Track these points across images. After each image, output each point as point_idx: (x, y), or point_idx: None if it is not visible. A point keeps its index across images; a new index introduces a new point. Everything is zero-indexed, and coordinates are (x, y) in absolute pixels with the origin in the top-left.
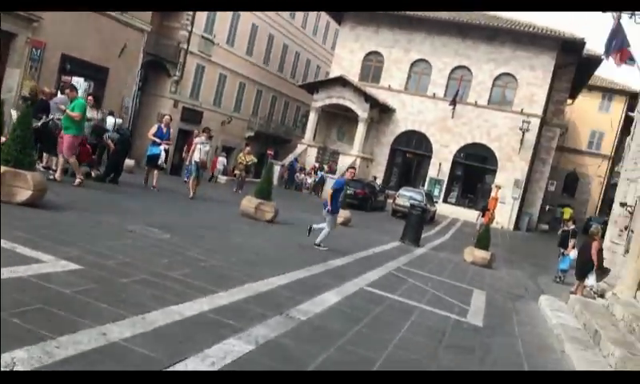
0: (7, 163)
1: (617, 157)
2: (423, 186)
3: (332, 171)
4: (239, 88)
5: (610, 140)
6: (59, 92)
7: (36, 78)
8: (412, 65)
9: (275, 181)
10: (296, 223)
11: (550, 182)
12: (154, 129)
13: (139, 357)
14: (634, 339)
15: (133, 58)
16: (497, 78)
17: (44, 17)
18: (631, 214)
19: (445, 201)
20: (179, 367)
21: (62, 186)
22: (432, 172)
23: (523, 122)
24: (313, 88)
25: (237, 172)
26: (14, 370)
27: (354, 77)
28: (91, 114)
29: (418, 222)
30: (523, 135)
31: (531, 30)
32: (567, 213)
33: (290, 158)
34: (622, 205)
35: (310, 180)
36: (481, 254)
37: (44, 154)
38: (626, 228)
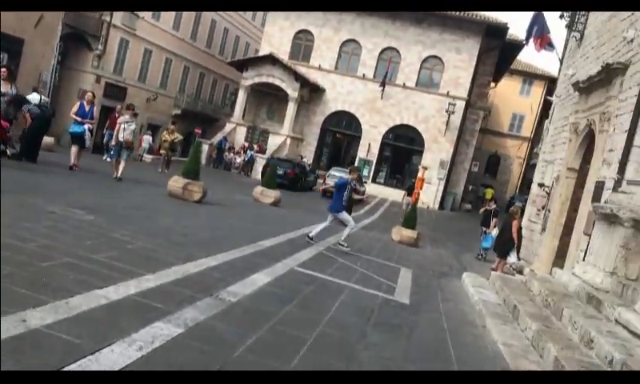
0: None
1: (536, 139)
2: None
3: (262, 151)
4: (165, 64)
5: (529, 123)
6: None
7: None
8: (342, 45)
9: (203, 160)
10: (225, 203)
11: (474, 163)
12: (75, 107)
13: (62, 343)
14: (550, 313)
15: (51, 30)
16: (424, 61)
17: None
18: (548, 194)
19: (374, 181)
20: (105, 352)
21: None
22: (361, 153)
23: (449, 104)
24: (242, 66)
25: (162, 151)
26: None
27: (283, 55)
28: (5, 88)
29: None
30: (449, 117)
31: (457, 14)
32: (489, 193)
33: (219, 136)
34: (540, 185)
35: (239, 159)
36: (408, 233)
37: None
38: (543, 208)
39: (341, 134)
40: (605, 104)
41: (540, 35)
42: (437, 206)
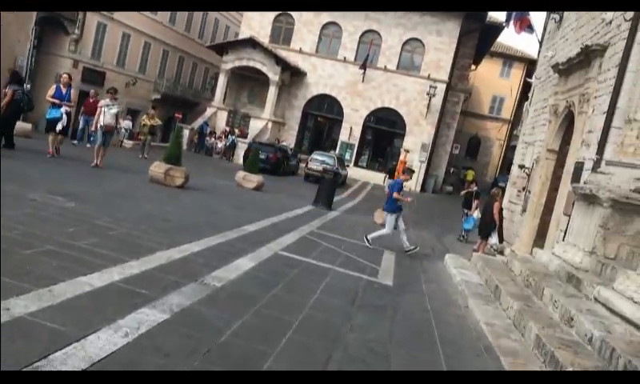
0: None
1: (516, 121)
2: (335, 149)
3: (243, 135)
4: (144, 48)
5: (509, 105)
6: None
7: None
8: (323, 27)
9: (185, 145)
10: (208, 189)
11: (455, 145)
12: (52, 90)
13: (47, 331)
14: (530, 293)
15: (26, 14)
16: (405, 43)
17: None
18: (528, 175)
19: (356, 164)
20: (91, 339)
21: None
22: (343, 136)
23: (430, 87)
24: (222, 49)
25: (141, 136)
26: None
27: (264, 38)
28: None
29: (330, 185)
30: (430, 100)
31: None
32: (470, 175)
33: (200, 121)
34: (521, 167)
35: (220, 144)
36: None
37: None
38: (523, 189)
39: (322, 117)
40: (584, 85)
41: (520, 17)
42: (418, 189)
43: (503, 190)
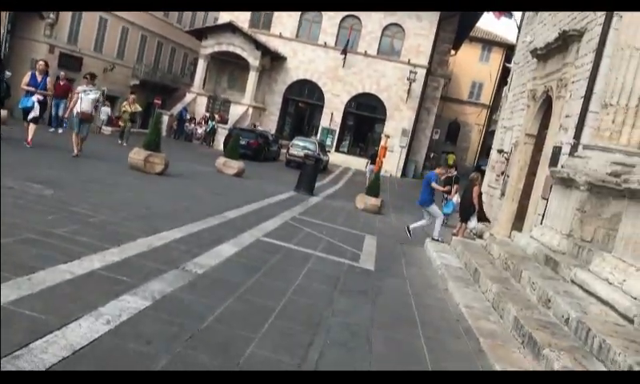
0: None
1: (495, 106)
2: (316, 135)
3: (223, 121)
4: (122, 33)
5: (488, 90)
6: None
7: None
8: (303, 12)
9: (164, 131)
10: (188, 175)
11: (435, 130)
12: (27, 77)
13: (27, 320)
14: (509, 275)
15: None
16: (385, 28)
17: None
18: (507, 160)
19: (337, 150)
20: (72, 327)
21: None
22: (324, 122)
23: (410, 72)
24: (201, 34)
25: (121, 123)
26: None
27: (243, 23)
28: None
29: (311, 171)
30: (410, 85)
31: None
32: (451, 159)
33: (179, 107)
34: (499, 152)
35: (200, 130)
36: (371, 201)
37: None
38: (502, 173)
39: (303, 103)
40: (562, 70)
41: None
42: (399, 174)
43: (483, 173)
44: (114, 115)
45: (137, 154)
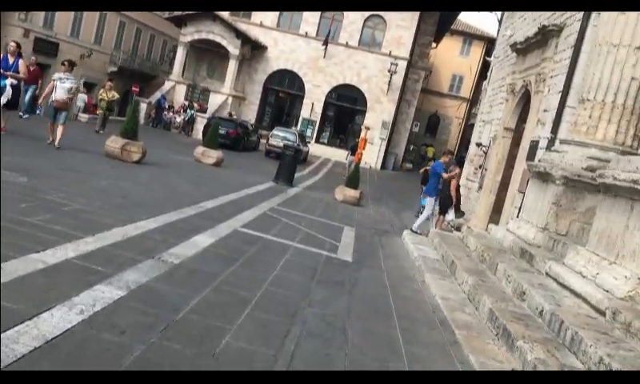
0: None
1: (474, 99)
2: (296, 126)
3: (202, 109)
4: (100, 19)
5: (468, 83)
6: None
7: None
8: None
9: (142, 119)
10: (166, 164)
11: (415, 122)
12: None
13: None
14: (485, 267)
15: None
16: (367, 20)
17: None
18: (485, 153)
19: (317, 141)
20: (45, 317)
21: None
22: (305, 112)
23: (391, 64)
24: (180, 21)
25: (99, 111)
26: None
27: (223, 11)
28: None
29: (291, 162)
30: (391, 77)
31: None
32: (431, 152)
33: (157, 95)
34: (478, 145)
35: (179, 119)
36: (350, 193)
37: None
38: (480, 166)
39: (284, 92)
40: (540, 65)
41: None
42: (379, 166)
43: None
44: (93, 102)
45: (113, 142)
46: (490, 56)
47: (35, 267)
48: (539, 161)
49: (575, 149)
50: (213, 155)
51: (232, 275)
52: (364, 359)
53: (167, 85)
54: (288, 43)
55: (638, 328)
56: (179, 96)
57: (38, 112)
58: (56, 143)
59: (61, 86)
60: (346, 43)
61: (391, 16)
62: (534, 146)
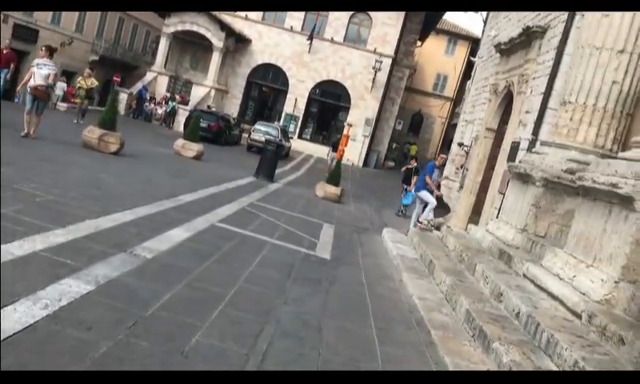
0: None
1: (458, 99)
2: (279, 121)
3: (184, 102)
4: None
5: (452, 83)
6: None
7: None
8: None
9: (122, 110)
10: (144, 156)
11: (398, 121)
12: None
13: None
14: (463, 268)
15: None
16: (353, 16)
17: None
18: (467, 153)
19: (300, 137)
20: (8, 311)
21: None
22: (288, 107)
23: (376, 61)
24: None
25: (77, 100)
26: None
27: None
28: None
29: (272, 157)
30: (375, 74)
31: None
32: (413, 150)
33: (139, 85)
34: (460, 145)
35: (160, 110)
36: (332, 190)
37: None
38: (461, 166)
39: (267, 87)
40: (524, 66)
41: None
42: (361, 164)
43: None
44: (73, 92)
45: (91, 133)
46: (474, 56)
47: (2, 258)
48: (520, 162)
49: (556, 151)
50: (193, 148)
51: (206, 271)
52: (337, 359)
53: (149, 76)
54: (273, 37)
55: (613, 332)
56: (161, 87)
57: (16, 100)
58: (26, 130)
59: (38, 72)
60: (332, 39)
61: (377, 13)
62: (515, 147)
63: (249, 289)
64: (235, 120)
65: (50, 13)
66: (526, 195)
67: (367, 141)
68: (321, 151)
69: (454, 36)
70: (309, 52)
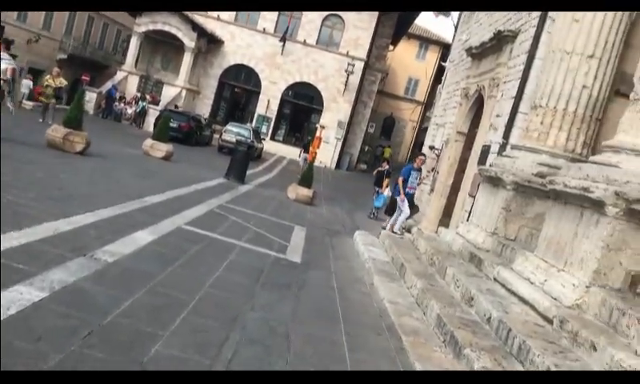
0: None
1: (429, 103)
2: (251, 122)
3: (155, 102)
4: None
5: (424, 87)
6: None
7: None
8: None
9: (92, 110)
10: (111, 156)
11: (370, 124)
12: None
13: None
14: (434, 271)
15: None
16: (326, 19)
17: None
18: (438, 156)
19: (272, 138)
20: None
21: None
22: (260, 109)
23: (348, 64)
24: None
25: (43, 98)
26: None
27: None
28: None
29: (243, 158)
30: (348, 77)
31: None
32: (387, 152)
33: (109, 85)
34: (431, 148)
35: (130, 110)
36: (303, 192)
37: None
38: (433, 169)
39: (239, 88)
40: (494, 70)
41: None
42: (334, 166)
43: None
44: (40, 90)
45: (55, 132)
46: (445, 61)
47: None
48: (491, 165)
49: (526, 154)
50: (162, 148)
51: (170, 276)
52: (305, 367)
53: (119, 75)
54: (245, 38)
55: (584, 338)
56: (132, 87)
57: None
58: None
59: None
60: (304, 41)
61: (349, 16)
62: (485, 150)
63: (214, 294)
64: (207, 120)
65: None
66: (496, 198)
67: (340, 143)
68: (293, 153)
69: (425, 41)
70: (281, 54)
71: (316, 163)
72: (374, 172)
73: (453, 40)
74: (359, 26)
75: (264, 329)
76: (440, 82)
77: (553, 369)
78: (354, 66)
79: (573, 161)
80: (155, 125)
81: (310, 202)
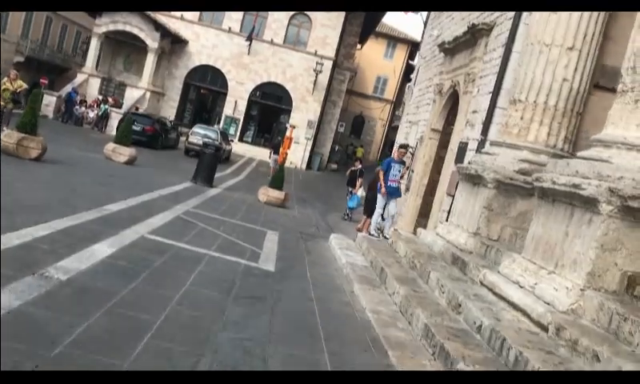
0: None
1: (398, 101)
2: (219, 124)
3: (117, 105)
4: None
5: (392, 86)
6: None
7: None
8: None
9: (51, 114)
10: (70, 162)
11: (340, 123)
12: None
13: None
14: (416, 275)
15: None
16: (292, 17)
17: None
18: (412, 154)
19: (241, 140)
20: None
21: None
22: (228, 110)
23: (317, 63)
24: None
25: (1, 102)
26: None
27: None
28: None
29: (211, 160)
30: (317, 77)
31: None
32: (360, 152)
33: (68, 88)
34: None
35: (91, 114)
36: (275, 194)
37: None
38: (407, 168)
39: (205, 89)
40: (470, 65)
41: None
42: (304, 166)
43: None
44: None
45: (8, 137)
46: (413, 60)
47: None
48: (470, 163)
49: (506, 151)
50: (125, 152)
51: (131, 293)
52: None
53: (80, 77)
54: (210, 38)
55: (585, 347)
56: (93, 90)
57: None
58: None
59: None
60: (271, 40)
61: (317, 15)
62: (462, 147)
63: (182, 313)
64: (172, 123)
65: None
66: (477, 197)
67: (310, 143)
68: (263, 154)
69: (393, 39)
70: (248, 53)
71: (286, 164)
72: (347, 172)
73: (422, 36)
74: (327, 25)
75: (238, 351)
76: (409, 80)
77: None
78: (322, 65)
79: (555, 156)
80: (118, 128)
81: (282, 204)
